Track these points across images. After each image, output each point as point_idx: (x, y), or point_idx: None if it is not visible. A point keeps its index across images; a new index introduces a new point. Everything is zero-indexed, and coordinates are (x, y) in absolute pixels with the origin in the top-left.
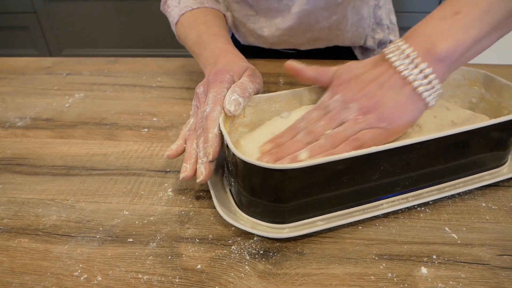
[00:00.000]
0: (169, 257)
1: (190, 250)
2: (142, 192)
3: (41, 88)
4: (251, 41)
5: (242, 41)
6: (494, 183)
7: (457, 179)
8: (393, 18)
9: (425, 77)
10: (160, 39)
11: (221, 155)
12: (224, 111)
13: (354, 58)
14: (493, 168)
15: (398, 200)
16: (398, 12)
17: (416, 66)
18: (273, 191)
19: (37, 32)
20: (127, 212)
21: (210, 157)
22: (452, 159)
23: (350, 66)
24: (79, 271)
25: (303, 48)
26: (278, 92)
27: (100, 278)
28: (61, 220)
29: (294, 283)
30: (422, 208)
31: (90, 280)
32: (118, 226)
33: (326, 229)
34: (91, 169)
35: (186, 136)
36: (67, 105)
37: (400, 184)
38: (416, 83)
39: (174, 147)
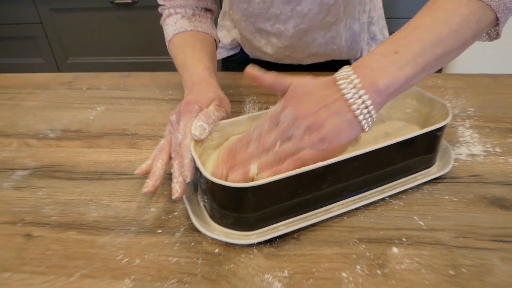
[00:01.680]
0: (192, 243)
1: (209, 239)
2: (165, 193)
3: (66, 102)
4: (258, 55)
5: (250, 55)
6: (456, 180)
7: (395, 180)
8: (386, 33)
9: (366, 107)
10: (162, 47)
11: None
12: (192, 136)
13: None
14: (425, 169)
15: (347, 203)
16: (392, 18)
17: (359, 97)
18: (236, 205)
19: (43, 42)
20: (154, 209)
21: (188, 180)
22: (385, 166)
23: (305, 82)
24: (121, 256)
25: (304, 62)
26: (240, 117)
27: (138, 261)
28: (100, 216)
29: (292, 262)
30: (396, 202)
31: (130, 263)
32: (148, 220)
33: (305, 226)
34: (120, 174)
35: (155, 155)
36: (91, 117)
37: (347, 190)
38: (357, 112)
39: (144, 166)
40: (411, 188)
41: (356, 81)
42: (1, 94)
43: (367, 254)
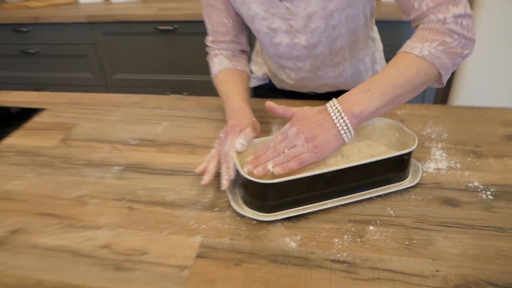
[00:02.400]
0: (237, 218)
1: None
2: (217, 185)
3: (139, 118)
4: (283, 86)
5: (276, 85)
6: (422, 186)
7: (377, 187)
8: None
9: (346, 125)
10: (195, 67)
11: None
12: (235, 149)
13: None
14: (399, 181)
15: (341, 199)
16: (391, 46)
17: (341, 118)
18: (259, 195)
19: (94, 60)
20: (210, 195)
21: (232, 177)
22: (367, 177)
23: (305, 109)
24: (192, 222)
25: (319, 91)
26: (265, 137)
27: (203, 226)
28: (176, 198)
29: (302, 231)
30: (377, 198)
31: (199, 227)
32: (207, 202)
33: (308, 212)
34: (187, 172)
35: (208, 159)
36: (159, 130)
37: (339, 191)
38: (340, 128)
39: (201, 167)
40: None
41: (339, 108)
42: (87, 110)
43: (352, 229)
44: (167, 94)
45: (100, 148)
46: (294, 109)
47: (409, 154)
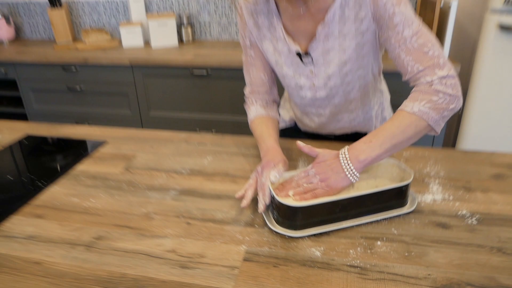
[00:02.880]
0: (273, 233)
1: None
2: (254, 208)
3: (187, 152)
4: (307, 129)
5: (301, 128)
6: (421, 212)
7: (382, 212)
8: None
9: (351, 170)
10: (224, 108)
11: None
12: (270, 180)
13: None
14: (400, 208)
15: (353, 220)
16: (398, 92)
17: (348, 164)
18: (289, 216)
19: (133, 98)
20: (250, 215)
21: (267, 202)
22: (374, 204)
23: (324, 154)
24: (238, 235)
25: (337, 133)
26: (294, 171)
27: (247, 238)
28: (224, 217)
29: (324, 243)
30: (383, 220)
31: (243, 238)
32: (248, 220)
33: (330, 231)
34: (228, 196)
35: (247, 187)
36: (205, 163)
37: (351, 214)
38: (347, 173)
39: (240, 193)
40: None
41: (347, 156)
42: (143, 143)
43: (364, 243)
44: (197, 131)
45: (158, 175)
46: (317, 150)
47: (406, 185)
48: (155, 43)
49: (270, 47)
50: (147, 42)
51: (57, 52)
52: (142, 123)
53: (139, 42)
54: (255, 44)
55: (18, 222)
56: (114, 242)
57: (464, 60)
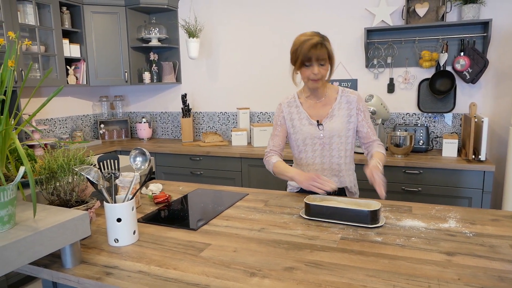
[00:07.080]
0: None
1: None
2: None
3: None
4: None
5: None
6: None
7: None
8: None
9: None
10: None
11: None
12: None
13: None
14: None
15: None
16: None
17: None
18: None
19: (239, 181)
20: (295, 215)
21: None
22: (350, 216)
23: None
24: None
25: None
26: (330, 196)
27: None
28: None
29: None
30: (367, 230)
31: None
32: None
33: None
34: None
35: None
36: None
37: (346, 219)
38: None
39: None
40: (366, 228)
41: (381, 164)
42: None
43: (378, 240)
44: None
45: None
46: (378, 181)
47: (375, 211)
48: (256, 143)
49: (298, 122)
50: (249, 143)
51: (184, 147)
52: None
53: (244, 142)
54: (283, 125)
55: (215, 222)
56: None
57: (500, 162)
